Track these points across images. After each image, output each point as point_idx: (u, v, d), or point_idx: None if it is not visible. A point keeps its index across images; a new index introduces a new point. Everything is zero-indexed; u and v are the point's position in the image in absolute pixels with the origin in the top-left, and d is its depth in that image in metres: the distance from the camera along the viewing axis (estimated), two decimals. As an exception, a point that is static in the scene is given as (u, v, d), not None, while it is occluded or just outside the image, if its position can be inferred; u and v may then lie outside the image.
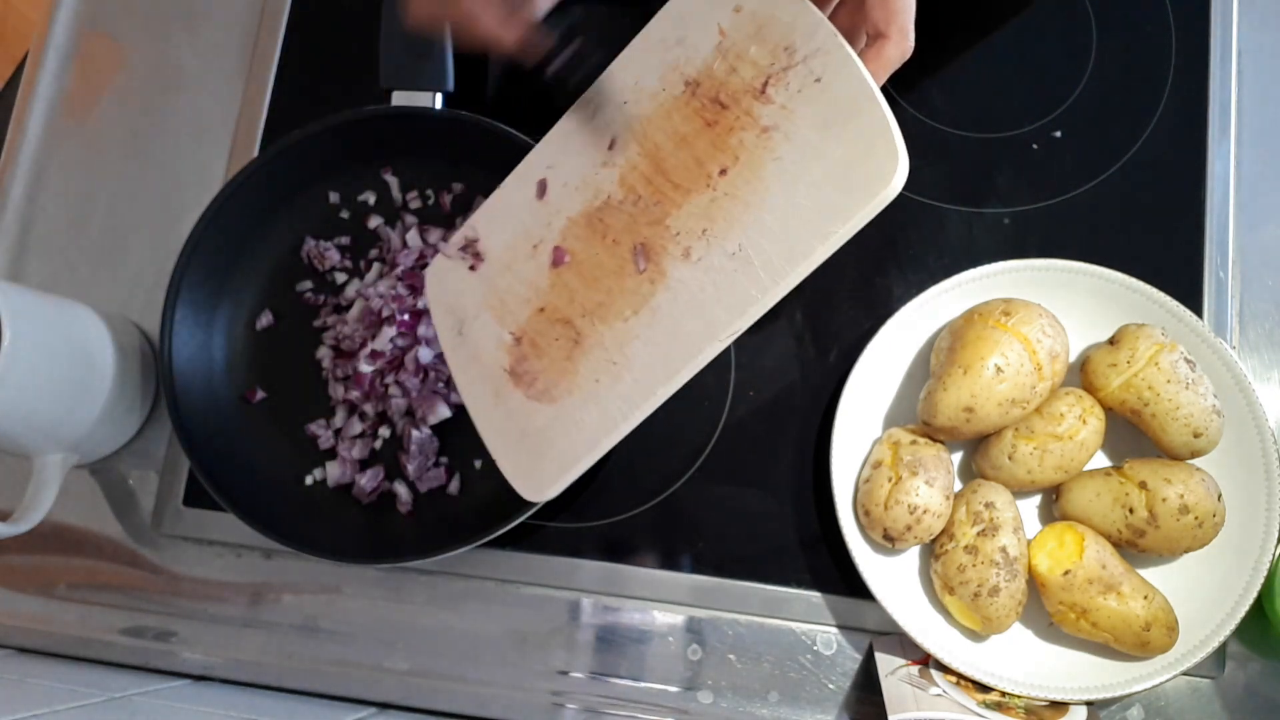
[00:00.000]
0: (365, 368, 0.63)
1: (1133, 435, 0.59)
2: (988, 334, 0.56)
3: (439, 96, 0.64)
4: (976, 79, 0.69)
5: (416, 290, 0.64)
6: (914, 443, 0.58)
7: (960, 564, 0.55)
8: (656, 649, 0.62)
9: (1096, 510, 0.57)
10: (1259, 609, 0.57)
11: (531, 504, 0.57)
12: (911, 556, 0.60)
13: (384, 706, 0.62)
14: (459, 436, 0.63)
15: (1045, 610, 0.57)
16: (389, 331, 0.63)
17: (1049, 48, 0.69)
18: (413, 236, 0.66)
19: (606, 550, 0.63)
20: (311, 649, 0.63)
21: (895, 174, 0.44)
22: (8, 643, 0.65)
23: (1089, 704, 0.56)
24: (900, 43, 0.49)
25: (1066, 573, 0.55)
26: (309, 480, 0.64)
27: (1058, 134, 0.67)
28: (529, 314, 0.54)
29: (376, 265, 0.66)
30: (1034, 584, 0.57)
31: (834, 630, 0.61)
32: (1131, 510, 0.56)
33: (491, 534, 0.57)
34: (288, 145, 0.64)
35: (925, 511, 0.56)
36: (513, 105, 0.70)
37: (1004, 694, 0.56)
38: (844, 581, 0.61)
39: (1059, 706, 0.56)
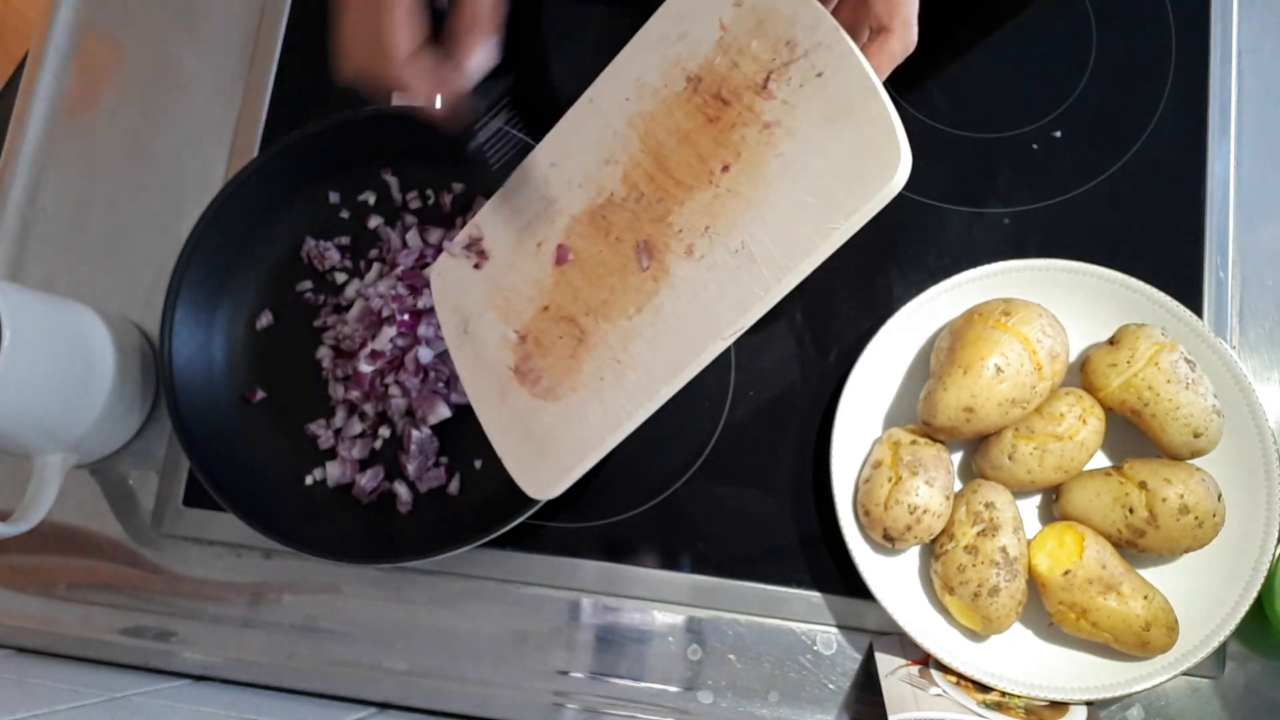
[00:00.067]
0: (365, 368, 0.63)
1: (1133, 435, 0.59)
2: (988, 334, 0.56)
3: (439, 96, 0.64)
4: (976, 79, 0.69)
5: (416, 290, 0.64)
6: (914, 443, 0.58)
7: (960, 564, 0.55)
8: (656, 649, 0.62)
9: (1096, 510, 0.57)
10: (1259, 609, 0.57)
11: (532, 504, 0.57)
12: (911, 556, 0.60)
13: (384, 706, 0.62)
14: (459, 436, 0.63)
15: (1045, 610, 0.57)
16: (389, 331, 0.63)
17: (1049, 48, 0.69)
18: (413, 236, 0.66)
19: (606, 550, 0.63)
20: (311, 649, 0.63)
21: (898, 169, 0.44)
22: (8, 643, 0.65)
23: (1089, 704, 0.56)
24: (903, 36, 0.49)
25: (1066, 573, 0.55)
26: (309, 480, 0.64)
27: (1058, 134, 0.67)
28: (533, 312, 0.54)
29: (376, 265, 0.66)
30: (1034, 584, 0.57)
31: (834, 630, 0.61)
32: (1131, 510, 0.56)
33: (491, 534, 0.57)
34: (288, 145, 0.64)
35: (925, 511, 0.56)
36: (512, 105, 0.70)
37: (1004, 694, 0.56)
38: (844, 581, 0.61)
39: (1059, 706, 0.56)
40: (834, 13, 0.47)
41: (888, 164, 0.44)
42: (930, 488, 0.56)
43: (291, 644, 0.63)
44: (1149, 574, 0.57)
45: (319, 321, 0.66)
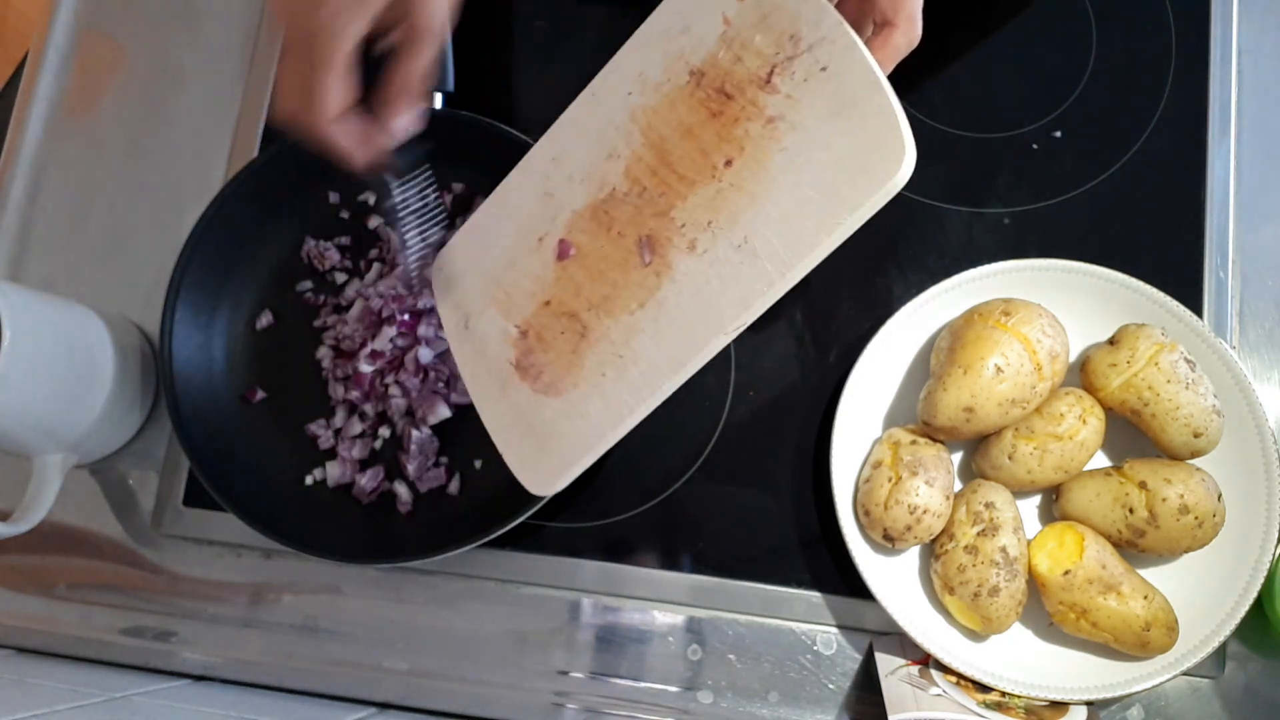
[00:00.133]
0: (365, 368, 0.63)
1: (1133, 435, 0.59)
2: (988, 334, 0.56)
3: (439, 96, 0.64)
4: (976, 79, 0.69)
5: (416, 290, 0.64)
6: (914, 443, 0.58)
7: (960, 564, 0.55)
8: (656, 649, 0.62)
9: (1096, 510, 0.57)
10: (1259, 609, 0.57)
11: (532, 504, 0.57)
12: (911, 556, 0.60)
13: (384, 706, 0.62)
14: (459, 436, 0.63)
15: (1045, 610, 0.57)
16: (389, 331, 0.63)
17: (1049, 48, 0.69)
18: (413, 236, 0.66)
19: (606, 550, 0.63)
20: (311, 649, 0.63)
21: (903, 164, 0.44)
22: (8, 643, 0.65)
23: (1089, 704, 0.56)
24: (908, 31, 0.49)
25: (1066, 573, 0.55)
26: (309, 480, 0.64)
27: (1058, 134, 0.67)
28: (534, 307, 0.54)
29: (376, 265, 0.66)
30: (1034, 584, 0.57)
31: (834, 630, 0.61)
32: (1131, 510, 0.56)
33: (491, 534, 0.57)
34: (288, 145, 0.64)
35: (925, 511, 0.56)
36: (513, 105, 0.70)
37: (1004, 694, 0.56)
38: (844, 581, 0.61)
39: (1059, 706, 0.56)
40: (838, 7, 0.47)
41: (892, 158, 0.44)
42: (930, 488, 0.56)
43: (291, 644, 0.63)
44: (1149, 574, 0.57)
45: (319, 321, 0.66)
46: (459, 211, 0.67)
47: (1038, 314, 0.57)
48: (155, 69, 0.73)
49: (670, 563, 0.62)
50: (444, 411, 0.63)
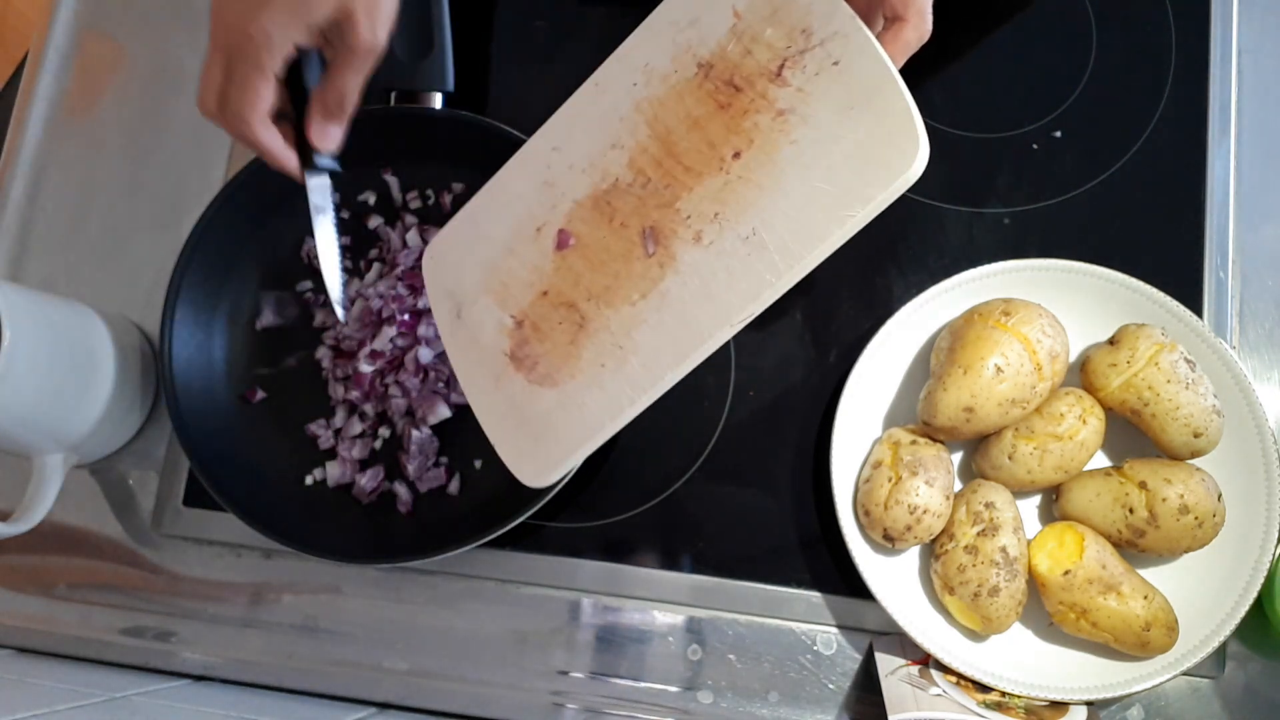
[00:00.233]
0: (365, 368, 0.63)
1: (1133, 435, 0.59)
2: (988, 334, 0.56)
3: (439, 96, 0.64)
4: (976, 79, 0.69)
5: (416, 290, 0.64)
6: (914, 443, 0.58)
7: (960, 564, 0.55)
8: (656, 649, 0.62)
9: (1096, 510, 0.57)
10: (1259, 609, 0.57)
11: (532, 503, 0.57)
12: (911, 556, 0.60)
13: (384, 706, 0.62)
14: (459, 436, 0.63)
15: (1045, 610, 0.57)
16: (389, 331, 0.63)
17: (1049, 48, 0.69)
18: (413, 236, 0.66)
19: (606, 550, 0.63)
20: (311, 649, 0.63)
21: (916, 158, 0.44)
22: (8, 643, 0.65)
23: (1089, 704, 0.56)
24: (918, 25, 0.49)
25: (1066, 573, 0.55)
26: (309, 480, 0.64)
27: (1058, 134, 0.67)
28: (531, 297, 0.54)
29: (376, 265, 0.66)
30: (1034, 584, 0.57)
31: (834, 630, 0.61)
32: (1131, 510, 0.56)
33: (491, 534, 0.57)
34: (288, 145, 0.64)
35: (925, 511, 0.56)
36: (513, 105, 0.70)
37: (1004, 694, 0.56)
38: (844, 581, 0.61)
39: (1059, 706, 0.56)
40: (849, 1, 0.47)
41: (907, 151, 0.44)
42: (930, 488, 0.56)
43: (291, 644, 0.63)
44: (1149, 574, 0.57)
45: (319, 321, 0.66)
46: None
47: (1038, 314, 0.57)
48: (155, 69, 0.73)
49: (670, 563, 0.62)
50: (444, 411, 0.63)
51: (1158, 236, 0.65)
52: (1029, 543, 0.57)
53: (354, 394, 0.64)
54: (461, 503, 0.63)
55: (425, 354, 0.63)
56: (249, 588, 0.64)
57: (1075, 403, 0.57)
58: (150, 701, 0.58)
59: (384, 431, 0.64)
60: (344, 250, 0.67)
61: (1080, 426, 0.57)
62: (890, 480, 0.57)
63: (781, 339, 0.65)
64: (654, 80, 0.51)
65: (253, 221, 0.66)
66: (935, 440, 0.59)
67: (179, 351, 0.63)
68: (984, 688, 0.56)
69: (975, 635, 0.58)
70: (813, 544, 0.62)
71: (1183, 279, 0.64)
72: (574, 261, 0.52)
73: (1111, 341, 0.58)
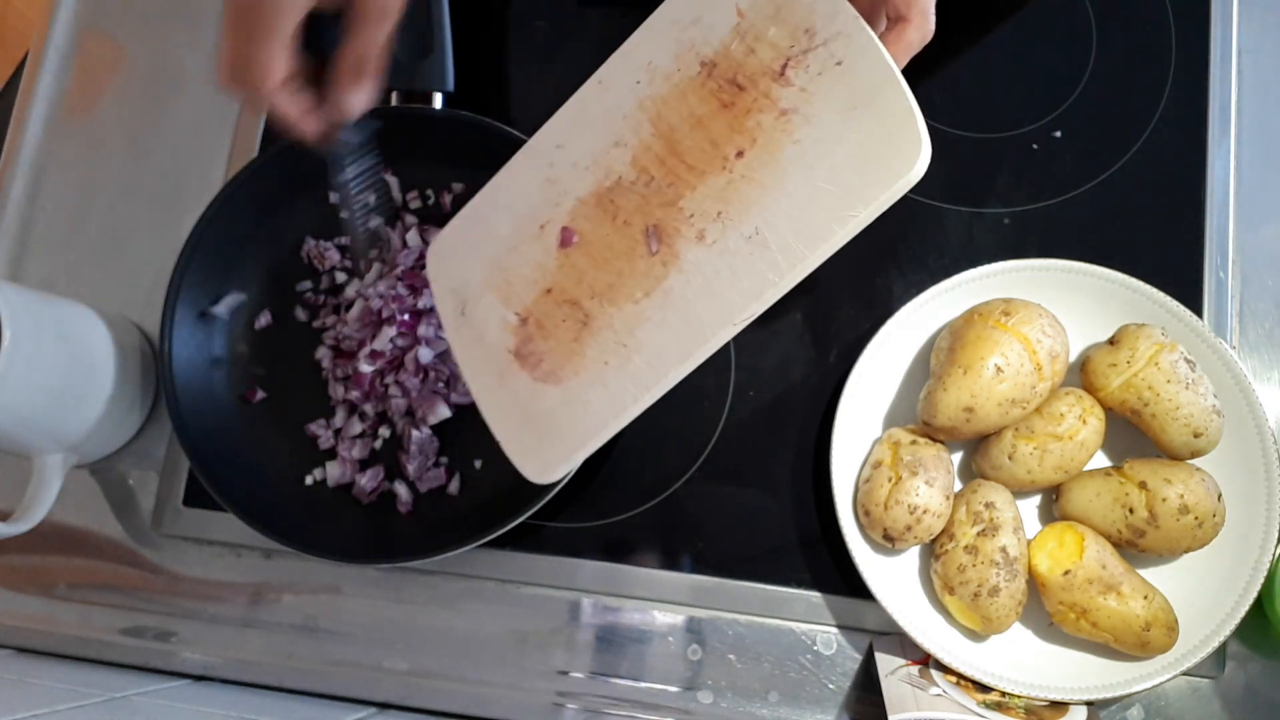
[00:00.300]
0: (365, 368, 0.63)
1: (1133, 435, 0.59)
2: (988, 334, 0.56)
3: (439, 96, 0.64)
4: (976, 79, 0.69)
5: (416, 290, 0.64)
6: (914, 443, 0.58)
7: (960, 564, 0.55)
8: (656, 649, 0.62)
9: (1096, 510, 0.57)
10: (1259, 609, 0.57)
11: (532, 504, 0.57)
12: (911, 556, 0.60)
13: (384, 706, 0.62)
14: (459, 436, 0.63)
15: (1045, 610, 0.57)
16: (389, 331, 0.63)
17: (1049, 48, 0.69)
18: (413, 236, 0.66)
19: (606, 550, 0.63)
20: (311, 649, 0.63)
21: (918, 158, 0.44)
22: (8, 643, 0.65)
23: (1089, 704, 0.56)
24: (921, 26, 0.49)
25: (1066, 573, 0.55)
26: (309, 480, 0.64)
27: (1058, 134, 0.67)
28: (535, 295, 0.54)
29: (376, 265, 0.66)
30: (1034, 584, 0.57)
31: (834, 630, 0.61)
32: (1131, 510, 0.56)
33: (491, 534, 0.57)
34: (288, 145, 0.64)
35: (925, 511, 0.56)
36: (513, 105, 0.70)
37: (1004, 694, 0.56)
38: (844, 581, 0.61)
39: (1059, 706, 0.56)
40: (852, 1, 0.47)
41: (909, 153, 0.44)
42: (930, 488, 0.56)
43: (291, 644, 0.63)
44: (1149, 574, 0.57)
45: (319, 321, 0.66)
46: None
47: (1038, 314, 0.57)
48: (155, 69, 0.73)
49: (670, 563, 0.62)
50: (444, 411, 0.63)
51: (1158, 236, 0.65)
52: (1029, 543, 0.57)
53: (354, 394, 0.64)
54: (461, 503, 0.63)
55: (425, 354, 0.63)
56: (249, 588, 0.64)
57: (1075, 403, 0.57)
58: (150, 701, 0.58)
59: (384, 431, 0.64)
60: (344, 250, 0.67)
61: (1080, 426, 0.57)
62: (890, 480, 0.57)
63: (781, 339, 0.65)
64: (657, 78, 0.51)
65: (253, 221, 0.66)
66: (935, 440, 0.59)
67: (179, 351, 0.63)
68: (984, 688, 0.56)
69: (975, 635, 0.58)
70: (813, 544, 0.62)
71: (1183, 279, 0.64)
72: (577, 259, 0.53)
73: (1111, 341, 0.58)
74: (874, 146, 0.45)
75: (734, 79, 0.49)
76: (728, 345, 0.65)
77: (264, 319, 0.66)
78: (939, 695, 0.53)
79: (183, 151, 0.71)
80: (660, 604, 0.62)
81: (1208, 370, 0.58)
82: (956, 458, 0.61)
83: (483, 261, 0.56)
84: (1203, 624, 0.56)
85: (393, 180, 0.68)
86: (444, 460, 0.64)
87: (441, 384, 0.63)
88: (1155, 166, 0.66)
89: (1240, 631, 0.56)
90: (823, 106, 0.47)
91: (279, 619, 0.63)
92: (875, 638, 0.61)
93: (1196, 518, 0.54)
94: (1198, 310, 0.64)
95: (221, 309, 0.66)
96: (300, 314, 0.67)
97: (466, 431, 0.63)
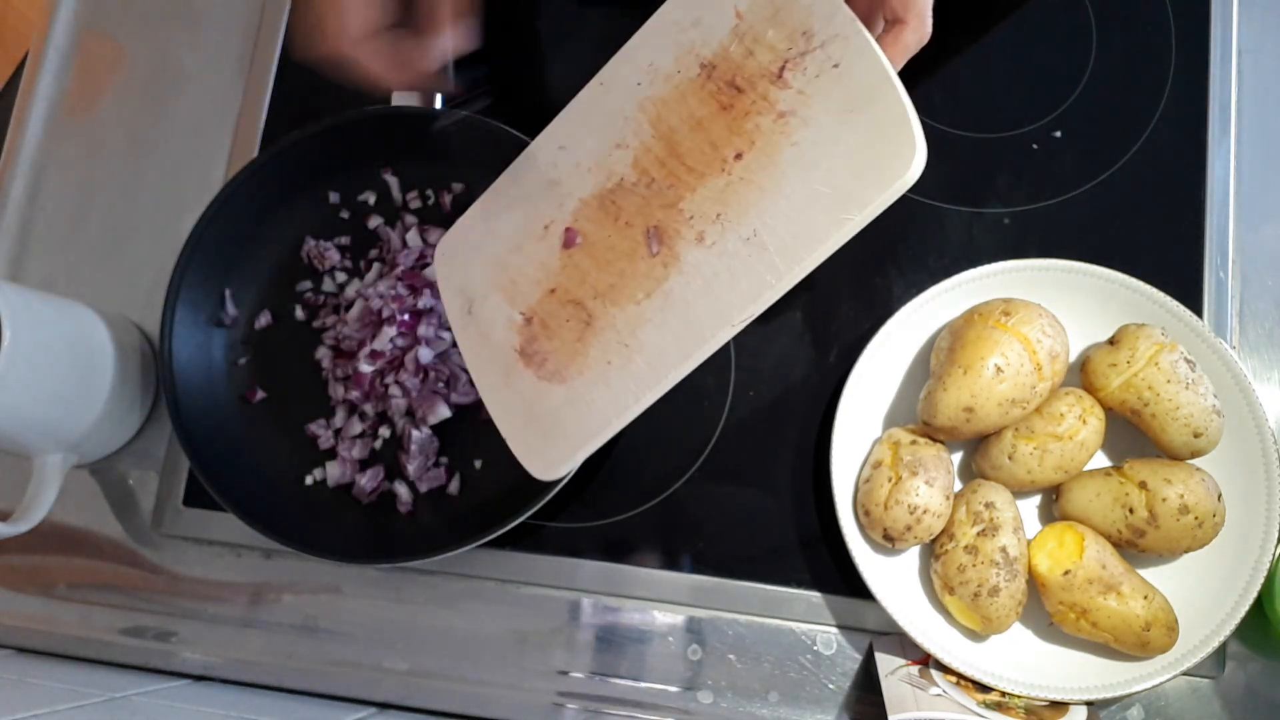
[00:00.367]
0: (365, 368, 0.63)
1: (1133, 435, 0.59)
2: (988, 334, 0.56)
3: (439, 96, 0.64)
4: (976, 79, 0.69)
5: (416, 290, 0.64)
6: (914, 443, 0.58)
7: (960, 564, 0.55)
8: (656, 649, 0.62)
9: (1096, 510, 0.57)
10: (1259, 609, 0.57)
11: (532, 503, 0.57)
12: (911, 556, 0.60)
13: (384, 706, 0.62)
14: (459, 436, 0.63)
15: (1045, 610, 0.57)
16: (389, 331, 0.63)
17: (1049, 48, 0.69)
18: (413, 236, 0.66)
19: (606, 550, 0.63)
20: (311, 649, 0.63)
21: (913, 162, 0.44)
22: (8, 643, 0.65)
23: (1089, 704, 0.56)
24: (918, 28, 0.49)
25: (1066, 573, 0.55)
26: (309, 480, 0.64)
27: (1058, 134, 0.67)
28: (539, 295, 0.54)
29: (376, 265, 0.66)
30: (1034, 584, 0.57)
31: (834, 630, 0.61)
32: (1131, 510, 0.56)
33: (491, 534, 0.57)
34: (288, 145, 0.64)
35: (925, 511, 0.56)
36: (513, 105, 0.70)
37: (1004, 694, 0.56)
38: (844, 581, 0.61)
39: (1059, 706, 0.56)
40: (849, 3, 0.47)
41: (904, 156, 0.44)
42: (930, 488, 0.56)
43: (291, 644, 0.63)
44: (1149, 574, 0.57)
45: (319, 321, 0.66)
46: (459, 211, 0.66)
47: (1038, 314, 0.57)
48: (155, 69, 0.73)
49: (670, 563, 0.62)
50: (444, 411, 0.63)
51: (1158, 236, 0.65)
52: (1029, 543, 0.57)
53: (354, 394, 0.64)
54: (461, 503, 0.63)
55: (425, 354, 0.63)
56: (249, 588, 0.64)
57: (1075, 403, 0.57)
58: (150, 701, 0.58)
59: (384, 431, 0.64)
60: (344, 250, 0.67)
61: (1080, 426, 0.57)
62: (890, 480, 0.57)
63: (782, 339, 0.65)
64: (658, 80, 0.52)
65: (253, 221, 0.66)
66: (935, 440, 0.59)
67: (179, 351, 0.63)
68: (984, 688, 0.56)
69: (975, 635, 0.58)
70: (813, 544, 0.62)
71: (1183, 279, 0.64)
72: (580, 260, 0.53)
73: (1111, 341, 0.58)
74: (870, 150, 0.45)
75: (733, 81, 0.49)
76: (728, 345, 0.65)
77: (264, 319, 0.66)
78: (939, 695, 0.53)
79: (183, 151, 0.71)
80: (660, 604, 0.62)
81: (1208, 370, 0.58)
82: (956, 458, 0.61)
83: (488, 261, 0.56)
84: (1203, 624, 0.56)
85: (393, 180, 0.68)
86: (444, 460, 0.64)
87: (441, 384, 0.63)
88: (1155, 166, 0.66)
89: (1240, 631, 0.56)
90: (820, 109, 0.47)
91: (279, 619, 0.63)
92: (875, 638, 0.61)
93: (1196, 518, 0.54)
94: (1198, 310, 0.64)
95: (221, 309, 0.66)
96: (300, 314, 0.67)
97: (466, 431, 0.63)
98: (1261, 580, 0.56)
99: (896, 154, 0.44)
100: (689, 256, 0.49)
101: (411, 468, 0.62)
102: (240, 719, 0.57)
